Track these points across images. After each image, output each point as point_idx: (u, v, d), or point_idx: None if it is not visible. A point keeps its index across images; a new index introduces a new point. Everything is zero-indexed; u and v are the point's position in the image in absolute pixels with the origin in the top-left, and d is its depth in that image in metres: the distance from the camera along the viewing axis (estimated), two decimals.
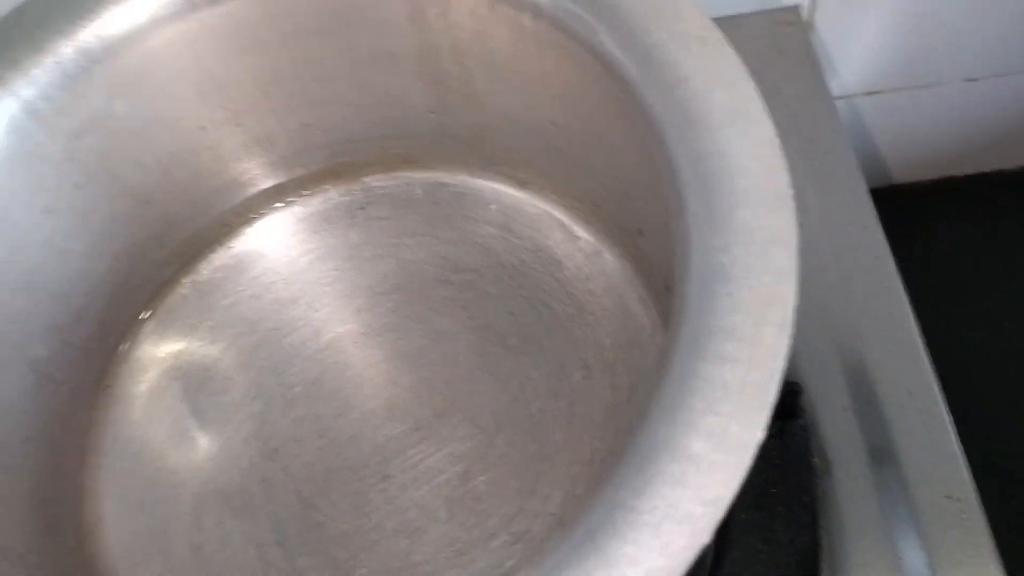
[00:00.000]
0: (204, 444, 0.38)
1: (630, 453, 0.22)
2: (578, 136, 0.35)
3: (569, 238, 0.40)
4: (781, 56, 0.51)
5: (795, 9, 0.51)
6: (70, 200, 0.36)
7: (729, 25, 0.49)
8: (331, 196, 0.44)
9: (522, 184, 0.41)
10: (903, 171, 0.66)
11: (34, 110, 0.33)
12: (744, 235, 0.24)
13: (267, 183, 0.42)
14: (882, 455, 0.39)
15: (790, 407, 0.38)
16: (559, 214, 0.40)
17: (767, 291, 0.24)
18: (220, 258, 0.43)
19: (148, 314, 0.41)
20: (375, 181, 0.43)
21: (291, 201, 0.43)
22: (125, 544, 0.37)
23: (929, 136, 0.63)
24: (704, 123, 0.27)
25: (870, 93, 0.58)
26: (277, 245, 0.43)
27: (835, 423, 0.40)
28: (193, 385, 0.40)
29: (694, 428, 0.22)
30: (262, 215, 0.43)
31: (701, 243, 0.25)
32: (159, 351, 0.41)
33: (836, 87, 0.55)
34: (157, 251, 0.40)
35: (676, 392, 0.23)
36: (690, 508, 0.21)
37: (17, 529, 0.32)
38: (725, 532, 0.36)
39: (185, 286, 0.42)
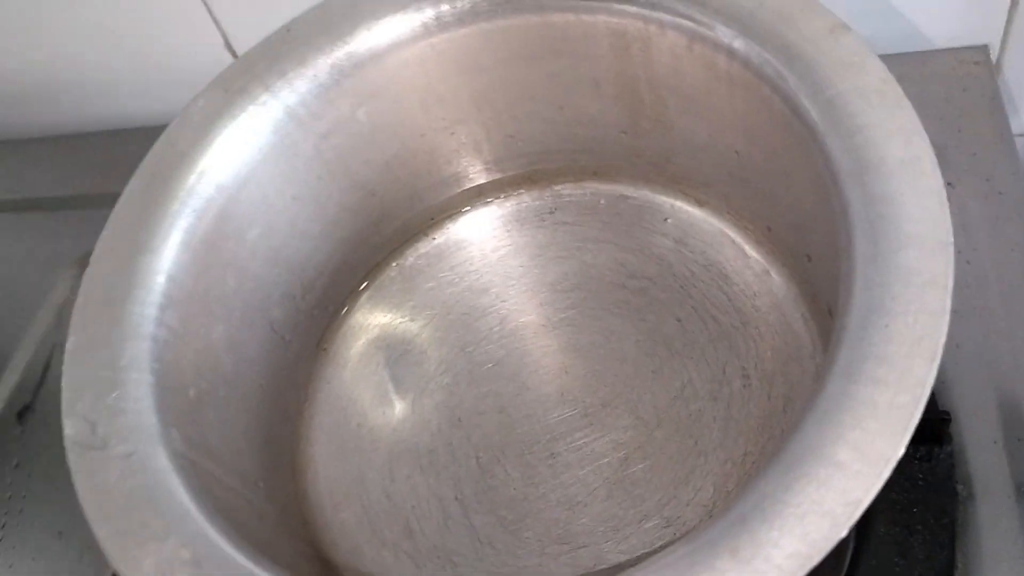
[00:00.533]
0: (400, 407, 0.44)
1: (782, 455, 0.26)
2: (759, 166, 0.38)
3: (740, 256, 0.43)
4: (965, 93, 0.52)
5: (984, 49, 0.52)
6: (313, 190, 0.42)
7: (917, 61, 0.51)
8: (524, 200, 0.49)
9: (700, 203, 0.45)
10: None
11: (294, 114, 0.40)
12: (905, 275, 0.27)
13: (470, 184, 0.48)
14: None
15: (939, 433, 0.40)
16: (732, 233, 0.44)
17: (921, 327, 0.27)
18: (425, 247, 0.49)
19: (362, 291, 0.47)
20: (565, 189, 0.48)
21: (489, 202, 0.49)
22: (329, 485, 0.43)
23: None
24: (878, 170, 0.30)
25: None
26: (474, 239, 0.48)
27: (983, 454, 0.42)
28: (394, 355, 0.46)
29: (842, 439, 0.26)
30: (463, 212, 0.49)
31: (865, 278, 0.28)
32: (369, 323, 0.47)
33: (1017, 126, 0.56)
34: (374, 237, 0.47)
35: (829, 407, 0.26)
36: (832, 506, 0.25)
37: (255, 460, 0.39)
38: (865, 541, 0.38)
39: (393, 269, 0.48)
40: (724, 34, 0.35)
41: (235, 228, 0.39)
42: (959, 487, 0.41)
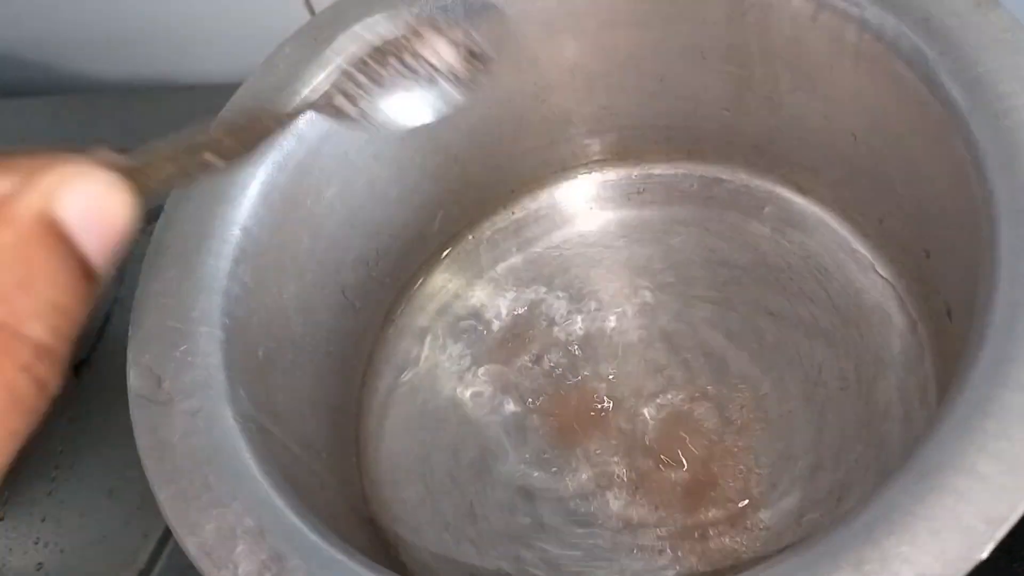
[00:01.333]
0: (470, 387, 0.42)
1: (915, 463, 0.23)
2: (879, 152, 0.36)
3: (843, 249, 0.41)
4: None
5: None
6: (394, 152, 0.40)
7: None
8: (610, 177, 0.46)
9: (803, 190, 0.42)
10: None
11: None
12: None
13: (554, 156, 0.46)
14: None
15: None
16: (837, 224, 0.41)
17: None
18: (503, 220, 0.46)
19: (436, 261, 0.45)
20: (655, 168, 0.46)
21: (573, 177, 0.46)
22: (393, 461, 0.41)
23: None
24: None
25: None
26: (555, 216, 0.46)
27: None
28: (467, 331, 0.44)
29: (985, 449, 0.23)
30: (545, 186, 0.46)
31: (1012, 273, 0.25)
32: (441, 296, 0.45)
33: None
34: (453, 207, 0.45)
35: (970, 412, 0.23)
36: (972, 522, 0.22)
37: (319, 428, 0.37)
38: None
39: (470, 242, 0.46)
40: (856, 2, 0.32)
41: (314, 183, 0.37)
42: None
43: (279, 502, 0.28)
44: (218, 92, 0.38)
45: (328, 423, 0.38)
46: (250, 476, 0.29)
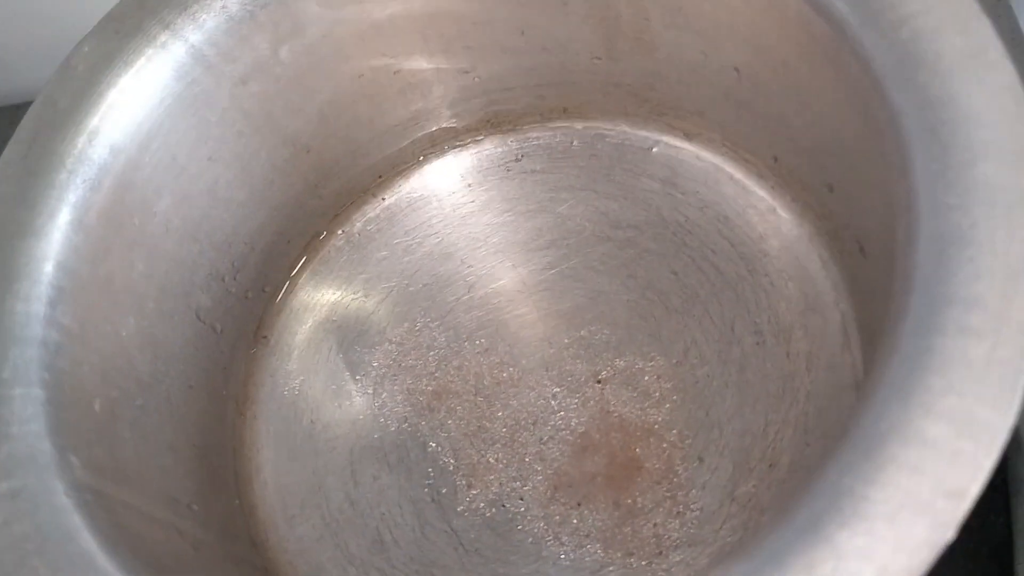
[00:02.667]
0: (359, 397, 0.38)
1: (856, 436, 0.20)
2: (764, 84, 0.32)
3: (741, 194, 0.37)
4: None
5: None
6: (233, 148, 0.35)
7: None
8: (485, 147, 0.42)
9: (689, 136, 0.39)
10: None
11: (202, 57, 0.33)
12: (986, 194, 0.22)
13: (421, 133, 0.41)
14: None
15: None
16: (730, 168, 0.38)
17: (1015, 257, 0.21)
18: (373, 210, 0.42)
19: (303, 265, 0.41)
20: (531, 132, 0.42)
21: (445, 152, 0.42)
22: (282, 495, 0.36)
23: None
24: (933, 67, 0.24)
25: None
26: (431, 198, 0.42)
27: None
28: (348, 338, 0.39)
29: (932, 410, 0.20)
30: (416, 166, 0.42)
31: (933, 202, 0.22)
32: (314, 302, 0.40)
33: None
34: (313, 202, 0.40)
35: (909, 369, 0.20)
36: (930, 499, 0.19)
37: (185, 479, 0.32)
38: None
39: (339, 238, 0.41)
40: None
41: (139, 199, 0.32)
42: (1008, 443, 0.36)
43: None
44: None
45: (198, 468, 0.34)
46: (90, 561, 0.24)
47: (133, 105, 0.32)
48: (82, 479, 0.26)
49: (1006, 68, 0.23)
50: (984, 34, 0.24)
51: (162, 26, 0.32)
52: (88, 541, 0.24)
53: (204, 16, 0.32)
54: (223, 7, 0.33)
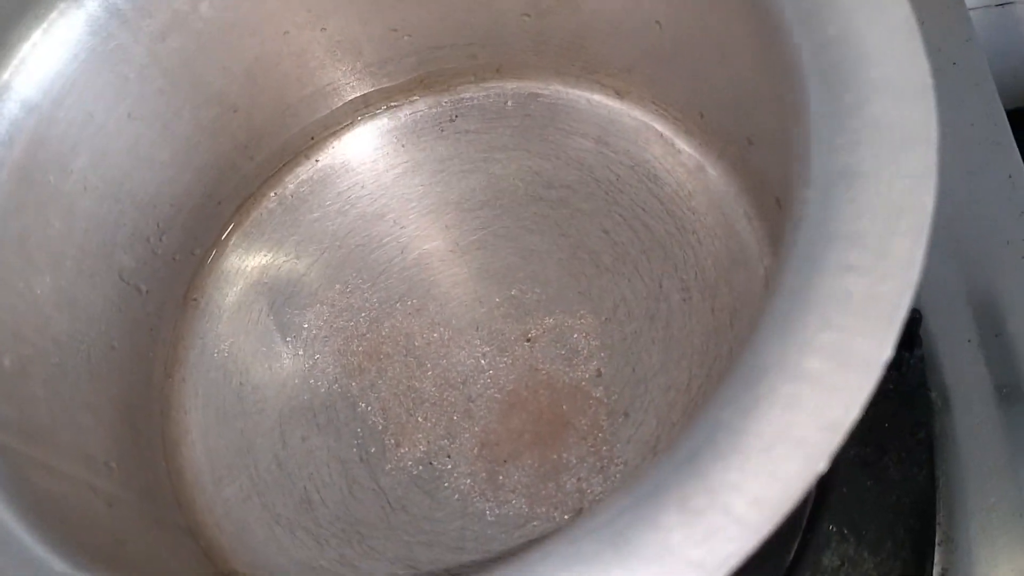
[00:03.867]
0: (289, 359, 0.38)
1: (737, 371, 0.20)
2: (686, 37, 0.32)
3: (670, 152, 0.37)
4: None
5: None
6: (154, 107, 0.35)
7: None
8: (419, 108, 0.42)
9: (620, 94, 0.38)
10: None
11: (117, 10, 0.32)
12: (874, 132, 0.22)
13: (353, 94, 0.41)
14: (1010, 393, 0.36)
15: (907, 336, 0.35)
16: (659, 126, 0.38)
17: (900, 195, 0.21)
18: (306, 171, 0.42)
19: (234, 227, 0.40)
20: (464, 92, 0.41)
21: (378, 113, 0.42)
22: (210, 457, 0.36)
23: None
24: (832, 6, 0.24)
25: (1007, 3, 0.52)
26: (364, 159, 0.41)
27: (957, 356, 0.37)
28: (279, 300, 0.39)
29: (810, 345, 0.20)
30: (348, 127, 0.42)
31: (824, 142, 0.22)
32: (245, 265, 0.40)
33: None
34: (243, 163, 0.39)
35: (790, 305, 0.20)
36: (804, 433, 0.19)
37: (105, 438, 0.32)
38: (832, 466, 0.33)
39: (271, 200, 0.41)
40: None
41: (54, 156, 0.32)
42: (933, 396, 0.37)
43: (27, 538, 0.23)
44: None
45: (122, 428, 0.33)
46: None
47: (45, 60, 0.31)
48: None
49: (902, 6, 0.23)
50: None
51: None
52: None
53: None
54: None
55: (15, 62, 0.31)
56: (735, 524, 0.18)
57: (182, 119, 0.36)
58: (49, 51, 0.31)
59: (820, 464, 0.19)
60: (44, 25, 0.31)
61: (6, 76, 0.31)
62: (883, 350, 0.19)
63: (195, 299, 0.39)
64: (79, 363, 0.32)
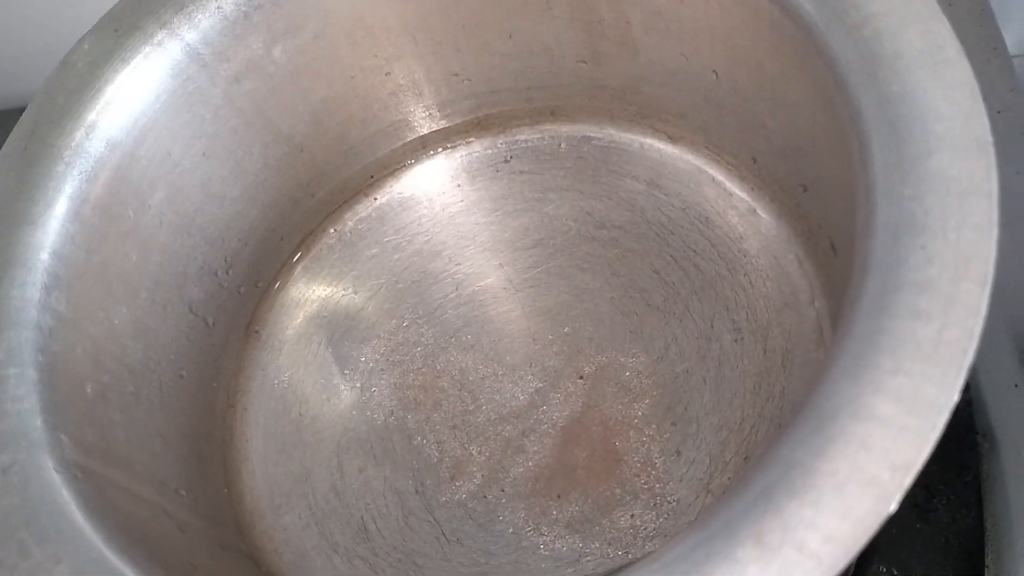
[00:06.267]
0: (347, 391, 0.39)
1: (808, 412, 0.21)
2: (742, 86, 0.33)
3: (722, 195, 0.38)
4: (950, 8, 0.47)
5: None
6: (227, 145, 0.36)
7: None
8: (475, 149, 0.43)
9: (673, 139, 0.40)
10: None
11: (197, 55, 0.34)
12: (939, 184, 0.22)
13: (412, 135, 0.42)
14: None
15: None
16: (712, 170, 0.39)
17: (965, 244, 0.22)
18: (364, 209, 0.43)
19: (295, 262, 0.42)
20: (519, 134, 0.43)
21: (435, 154, 0.43)
22: (270, 485, 0.37)
23: None
24: (893, 65, 0.25)
25: None
26: (420, 198, 0.43)
27: (1004, 400, 0.38)
28: (338, 333, 0.40)
29: (881, 388, 0.21)
30: (406, 167, 0.43)
31: (889, 193, 0.23)
32: (305, 298, 0.41)
33: (1014, 45, 0.51)
34: (306, 200, 0.41)
35: (861, 349, 0.21)
36: (876, 472, 0.20)
37: (174, 464, 0.33)
38: None
39: (331, 235, 0.42)
40: None
41: (134, 192, 0.33)
42: (980, 439, 0.37)
43: (115, 560, 0.24)
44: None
45: (188, 455, 0.34)
46: (78, 534, 0.25)
47: (129, 101, 0.33)
48: (72, 457, 0.27)
49: (962, 65, 0.24)
50: (942, 34, 0.25)
51: (159, 25, 0.33)
52: (76, 515, 0.25)
53: (200, 16, 0.34)
54: (218, 7, 0.34)
55: (101, 103, 0.32)
56: (809, 560, 0.19)
57: (252, 158, 0.37)
58: (133, 93, 0.33)
59: (891, 504, 0.19)
60: (129, 68, 0.33)
61: (93, 116, 0.32)
62: (951, 394, 0.20)
63: (257, 331, 0.40)
64: (151, 391, 0.33)
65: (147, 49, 0.33)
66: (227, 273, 0.38)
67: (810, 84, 0.28)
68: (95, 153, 0.32)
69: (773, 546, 0.19)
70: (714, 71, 0.34)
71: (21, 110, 0.33)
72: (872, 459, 0.20)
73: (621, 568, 0.32)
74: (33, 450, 0.26)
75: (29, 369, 0.28)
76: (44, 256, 0.30)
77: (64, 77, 0.33)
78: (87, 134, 0.32)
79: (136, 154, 0.33)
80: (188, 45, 0.33)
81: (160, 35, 0.33)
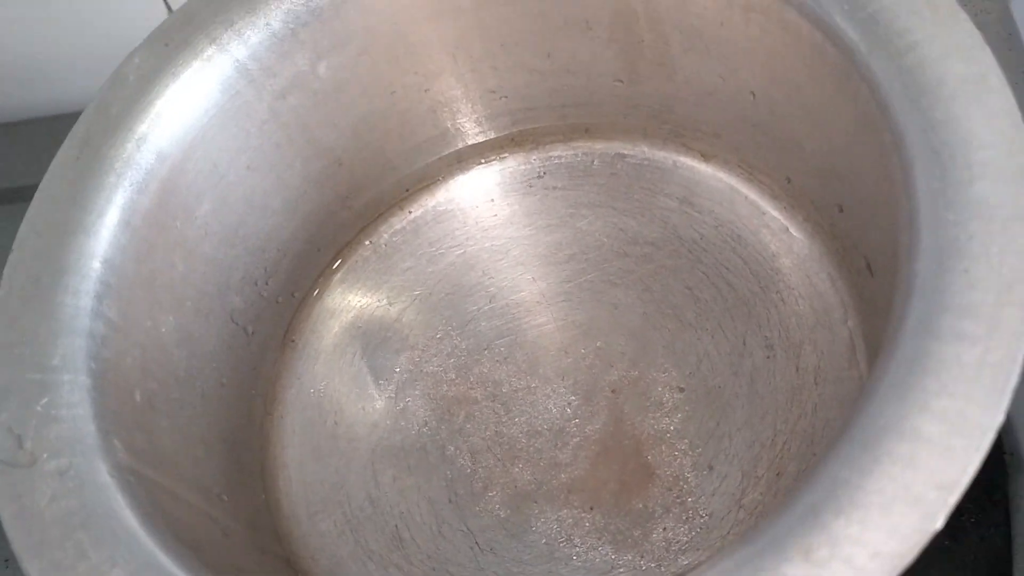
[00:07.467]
0: (381, 401, 0.39)
1: (854, 432, 0.21)
2: (780, 108, 0.34)
3: (755, 214, 0.39)
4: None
5: None
6: (270, 159, 0.37)
7: None
8: (508, 164, 0.44)
9: (706, 157, 0.40)
10: None
11: (245, 70, 0.35)
12: (983, 210, 0.23)
13: (448, 150, 0.43)
14: None
15: None
16: (745, 189, 0.39)
17: (1008, 269, 0.22)
18: (399, 222, 0.44)
19: (331, 273, 0.42)
20: (554, 151, 0.43)
21: (469, 169, 0.44)
22: (305, 492, 0.38)
23: None
24: (936, 92, 0.25)
25: None
26: (455, 211, 0.43)
27: None
28: (372, 343, 0.41)
29: (927, 409, 0.21)
30: (441, 181, 0.44)
31: (933, 217, 0.24)
32: (341, 309, 0.42)
33: None
34: (342, 212, 0.42)
35: (906, 371, 0.22)
36: (922, 491, 0.20)
37: (216, 470, 0.33)
38: None
39: (366, 248, 0.43)
40: None
41: (182, 203, 0.34)
42: (1008, 458, 0.37)
43: (168, 563, 0.25)
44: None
45: (229, 461, 0.35)
46: (132, 537, 0.25)
47: (179, 114, 0.34)
48: (124, 461, 0.27)
49: (1005, 93, 0.25)
50: (985, 62, 0.25)
51: (209, 41, 0.34)
52: (130, 518, 0.26)
53: (249, 32, 0.34)
54: (267, 24, 0.34)
55: (152, 115, 0.33)
56: (857, 574, 0.20)
57: (294, 171, 0.38)
58: (183, 106, 0.34)
59: (937, 522, 0.20)
60: (180, 82, 0.34)
61: (144, 128, 0.33)
62: (995, 415, 0.21)
63: (293, 340, 0.41)
64: (195, 398, 0.34)
65: (197, 64, 0.34)
66: (266, 283, 0.39)
67: (851, 108, 0.28)
68: (145, 164, 0.33)
69: (821, 561, 0.20)
70: (752, 92, 0.35)
71: (68, 115, 0.34)
72: (918, 478, 0.20)
73: None
74: (88, 454, 0.27)
75: (82, 376, 0.29)
76: (96, 264, 0.31)
77: (116, 89, 0.34)
78: (138, 146, 0.33)
79: (184, 166, 0.34)
80: (237, 61, 0.34)
81: (210, 50, 0.34)
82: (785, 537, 0.21)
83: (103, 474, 0.26)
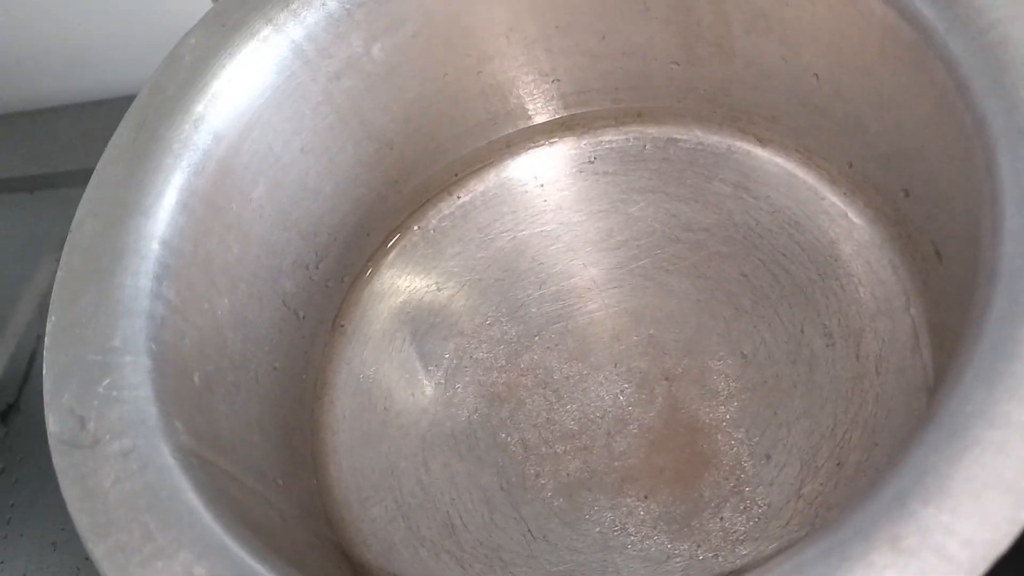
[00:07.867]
0: (431, 387, 0.39)
1: (941, 419, 0.21)
2: (845, 90, 0.33)
3: (813, 199, 0.38)
4: None
5: None
6: (324, 141, 0.37)
7: None
8: (558, 149, 0.43)
9: (761, 141, 0.40)
10: None
11: (301, 51, 0.34)
12: None
13: (498, 134, 0.43)
14: None
15: None
16: (803, 174, 0.39)
17: None
18: (448, 207, 0.43)
19: (381, 257, 0.42)
20: (605, 135, 0.43)
21: (519, 153, 0.43)
22: (356, 478, 0.38)
23: None
24: (1020, 70, 0.24)
25: None
26: (504, 197, 0.43)
27: None
28: (421, 329, 0.40)
29: (1017, 395, 0.20)
30: (490, 166, 0.43)
31: (1018, 200, 0.23)
32: (390, 294, 0.42)
33: None
34: (392, 196, 0.41)
35: (995, 357, 0.21)
36: (1015, 479, 0.20)
37: (270, 455, 0.33)
38: None
39: (415, 233, 0.43)
40: None
41: (237, 185, 0.34)
42: None
43: (233, 545, 0.25)
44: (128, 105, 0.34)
45: (282, 446, 0.35)
46: (197, 519, 0.25)
47: (236, 95, 0.34)
48: (186, 443, 0.27)
49: None
50: None
51: (265, 21, 0.34)
52: (193, 500, 0.26)
53: (305, 13, 0.34)
54: (323, 4, 0.34)
55: (209, 96, 0.33)
56: (948, 564, 0.19)
57: (346, 154, 0.38)
58: (239, 87, 0.34)
59: None
60: (236, 63, 0.34)
61: (200, 108, 0.33)
62: None
63: (343, 325, 0.41)
64: (249, 382, 0.34)
65: (254, 44, 0.34)
66: (317, 267, 0.39)
67: (925, 88, 0.28)
68: (202, 146, 0.33)
69: (911, 550, 0.19)
70: (815, 74, 0.34)
71: (121, 99, 0.34)
72: (1010, 465, 0.20)
73: (732, 572, 0.32)
74: (150, 436, 0.27)
75: (143, 357, 0.28)
76: (155, 246, 0.31)
77: (172, 70, 0.34)
78: (195, 127, 0.33)
79: (240, 148, 0.34)
80: (293, 41, 0.34)
81: (266, 31, 0.34)
82: (871, 526, 0.20)
83: (166, 456, 0.26)
